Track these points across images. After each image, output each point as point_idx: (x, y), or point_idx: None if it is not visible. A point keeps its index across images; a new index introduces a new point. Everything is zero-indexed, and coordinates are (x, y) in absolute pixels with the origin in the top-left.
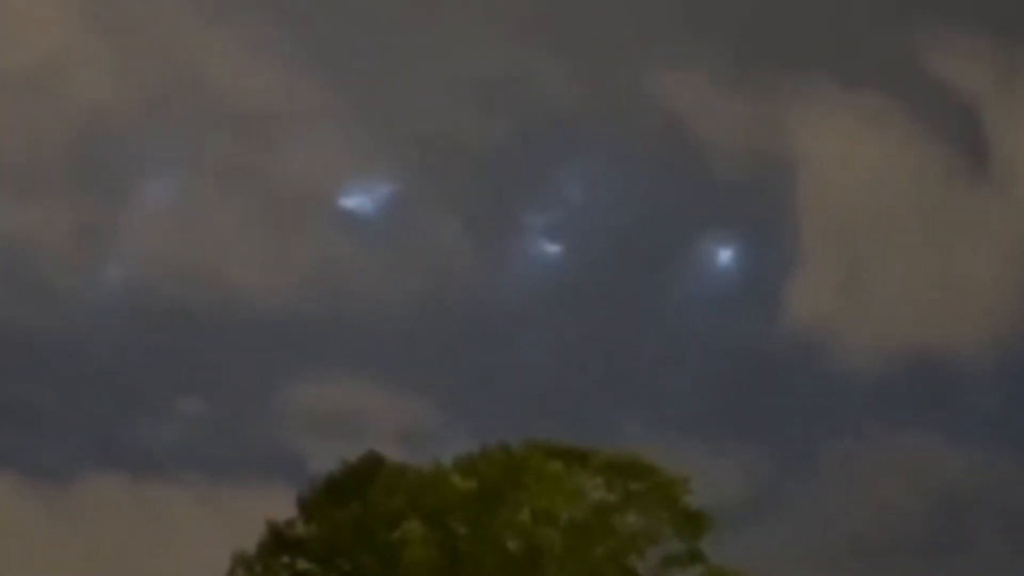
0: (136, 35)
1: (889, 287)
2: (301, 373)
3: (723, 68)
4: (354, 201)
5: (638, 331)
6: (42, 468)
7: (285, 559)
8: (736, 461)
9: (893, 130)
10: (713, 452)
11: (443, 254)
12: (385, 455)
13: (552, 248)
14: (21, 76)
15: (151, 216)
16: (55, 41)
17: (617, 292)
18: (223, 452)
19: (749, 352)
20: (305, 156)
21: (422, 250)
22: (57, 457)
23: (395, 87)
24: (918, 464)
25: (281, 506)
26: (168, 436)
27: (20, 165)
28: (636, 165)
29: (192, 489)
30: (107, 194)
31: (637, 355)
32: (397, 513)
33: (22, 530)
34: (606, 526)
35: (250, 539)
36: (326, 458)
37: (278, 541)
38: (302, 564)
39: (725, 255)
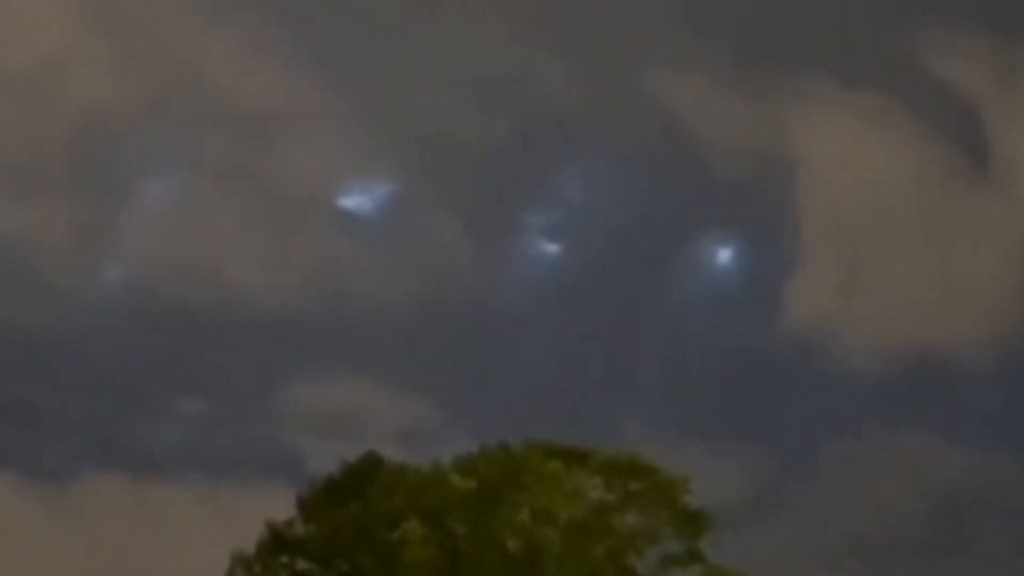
0: (136, 35)
1: (889, 287)
2: (301, 373)
3: (723, 68)
4: (354, 201)
5: (638, 331)
6: (42, 468)
7: (284, 559)
8: (736, 461)
9: (893, 130)
10: (713, 452)
11: (443, 254)
12: (385, 455)
13: (552, 248)
14: (21, 76)
15: (151, 216)
16: (55, 41)
17: (617, 292)
18: (223, 452)
19: (749, 352)
20: (305, 156)
21: (422, 250)
22: (57, 457)
23: (395, 87)
24: (918, 464)
25: (281, 506)
26: (168, 436)
27: (20, 165)
28: (636, 165)
29: (192, 489)
30: (107, 194)
31: (637, 355)
32: (396, 513)
33: (22, 530)
34: (605, 526)
35: (250, 539)
36: (326, 458)
37: (277, 541)
38: (301, 564)
39: (725, 255)
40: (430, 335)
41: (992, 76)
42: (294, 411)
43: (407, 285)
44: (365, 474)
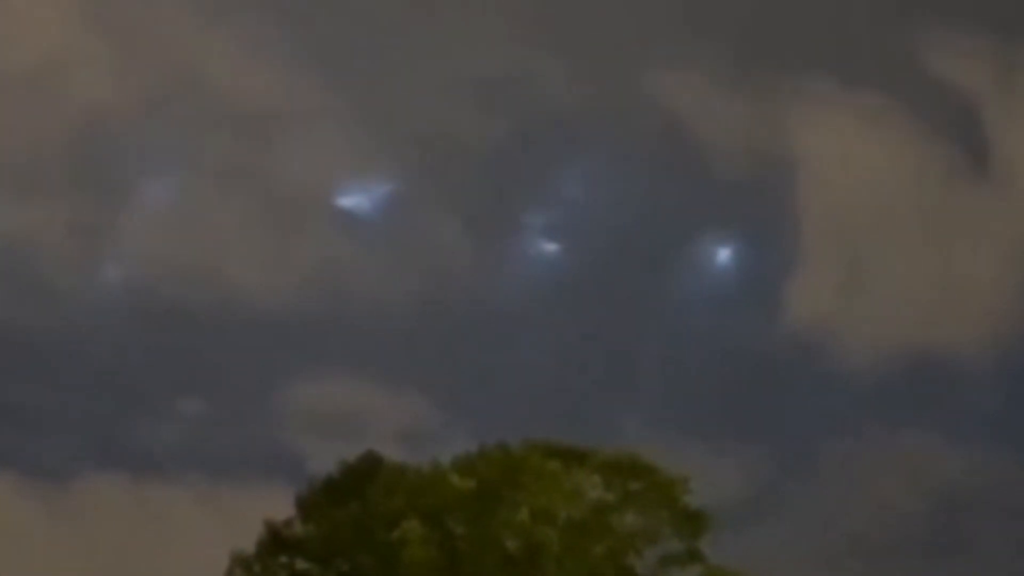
0: (136, 35)
1: (889, 287)
2: (301, 373)
3: (723, 68)
4: (354, 201)
5: (638, 331)
6: (42, 468)
7: (283, 559)
8: (736, 461)
9: (893, 130)
10: (713, 452)
11: (443, 254)
12: (384, 455)
13: (552, 248)
14: (21, 76)
15: (151, 216)
16: (55, 41)
17: (617, 292)
18: (223, 452)
19: (749, 352)
20: (305, 156)
21: (422, 250)
22: (57, 457)
23: (395, 87)
24: (918, 464)
25: (281, 506)
26: (168, 436)
27: (20, 165)
28: (636, 165)
29: (192, 489)
30: (107, 194)
31: (637, 355)
32: (396, 513)
33: (22, 530)
34: (605, 525)
35: (249, 539)
36: (326, 458)
37: (276, 541)
38: (300, 564)
39: (725, 255)
40: (430, 335)
41: (992, 76)
42: (294, 411)
43: (407, 285)
44: (364, 474)
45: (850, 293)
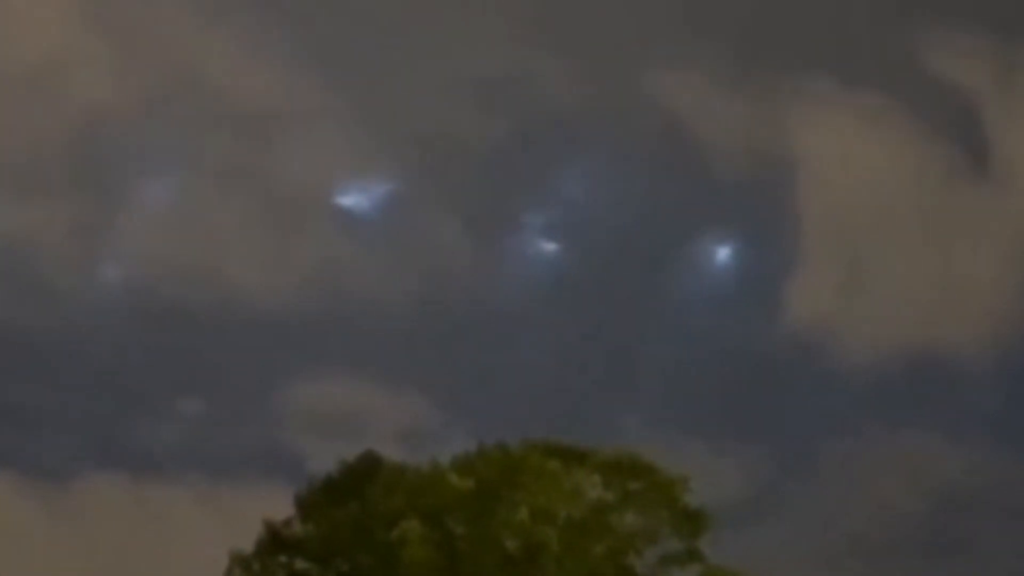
0: (136, 35)
1: (889, 287)
2: (301, 373)
3: (723, 68)
4: (353, 201)
5: (638, 331)
6: (42, 468)
7: (283, 559)
8: (736, 461)
9: (893, 130)
10: (713, 452)
11: (443, 254)
12: (383, 455)
13: (551, 248)
14: (21, 76)
15: (151, 216)
16: (55, 41)
17: (617, 292)
18: (223, 452)
19: (749, 352)
20: (305, 156)
21: (422, 250)
22: (57, 457)
23: (395, 87)
24: (918, 464)
25: (281, 506)
26: (168, 436)
27: (20, 165)
28: (636, 165)
29: (192, 489)
30: (107, 194)
31: (637, 355)
32: (395, 513)
33: (22, 530)
34: (604, 525)
35: (249, 539)
36: (325, 458)
37: (276, 541)
38: (300, 564)
39: (725, 255)
40: (430, 335)
41: (992, 76)
42: (293, 411)
43: (407, 285)
44: (364, 474)
45: (850, 293)
